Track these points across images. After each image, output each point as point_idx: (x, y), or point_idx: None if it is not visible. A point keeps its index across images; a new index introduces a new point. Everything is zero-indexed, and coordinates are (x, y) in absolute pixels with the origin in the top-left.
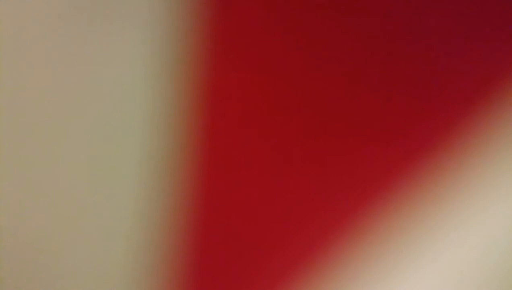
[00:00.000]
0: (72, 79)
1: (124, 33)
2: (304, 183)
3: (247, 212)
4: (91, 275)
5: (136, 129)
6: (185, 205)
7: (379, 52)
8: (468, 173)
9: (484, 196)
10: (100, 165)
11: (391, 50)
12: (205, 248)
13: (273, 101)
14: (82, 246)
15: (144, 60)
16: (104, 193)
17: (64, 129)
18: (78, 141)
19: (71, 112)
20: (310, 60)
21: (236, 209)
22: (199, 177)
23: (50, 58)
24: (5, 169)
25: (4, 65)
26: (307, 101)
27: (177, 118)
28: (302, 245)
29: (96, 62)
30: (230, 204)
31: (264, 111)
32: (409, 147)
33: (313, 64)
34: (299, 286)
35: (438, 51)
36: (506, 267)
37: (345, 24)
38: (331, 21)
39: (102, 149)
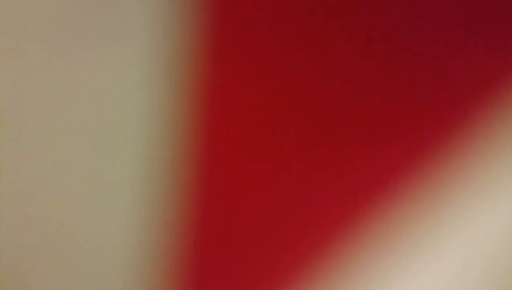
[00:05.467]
0: (71, 79)
1: (124, 33)
2: (304, 183)
3: (247, 213)
4: (90, 276)
5: (136, 129)
6: (185, 206)
7: (379, 52)
8: (469, 174)
9: (485, 196)
10: (99, 166)
11: (391, 51)
12: (205, 249)
13: (273, 101)
14: (81, 246)
15: (144, 60)
16: (104, 194)
17: (64, 130)
18: (78, 142)
19: (71, 113)
20: (310, 60)
21: (236, 210)
22: (200, 177)
23: (50, 58)
24: (5, 169)
25: (4, 65)
26: (307, 102)
27: (177, 118)
28: (303, 246)
29: (96, 62)
30: (230, 204)
31: (265, 112)
32: (410, 149)
33: (313, 64)
34: (300, 287)
35: (438, 52)
36: (506, 268)
37: (346, 25)
38: (331, 21)
39: (102, 149)
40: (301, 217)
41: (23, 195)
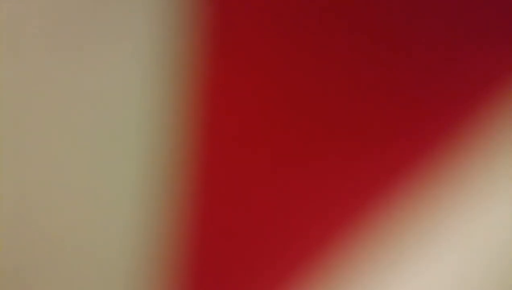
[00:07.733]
0: (72, 79)
1: (124, 33)
2: (304, 183)
3: (247, 212)
4: (91, 276)
5: (136, 129)
6: (186, 206)
7: (379, 53)
8: (469, 174)
9: (485, 196)
10: (99, 165)
11: (391, 51)
12: (205, 248)
13: (273, 101)
14: (82, 247)
15: (144, 60)
16: (104, 193)
17: (64, 129)
18: (78, 141)
19: (72, 113)
20: (311, 61)
21: (236, 210)
22: (200, 177)
23: (50, 59)
24: (5, 169)
25: (4, 65)
26: (307, 102)
27: (177, 118)
28: (304, 246)
29: (96, 62)
30: (230, 204)
31: (265, 112)
32: (410, 149)
33: (313, 65)
34: (301, 287)
35: (438, 53)
36: (507, 268)
37: (346, 25)
38: (331, 22)
39: (102, 149)
40: (301, 217)
41: (23, 196)
